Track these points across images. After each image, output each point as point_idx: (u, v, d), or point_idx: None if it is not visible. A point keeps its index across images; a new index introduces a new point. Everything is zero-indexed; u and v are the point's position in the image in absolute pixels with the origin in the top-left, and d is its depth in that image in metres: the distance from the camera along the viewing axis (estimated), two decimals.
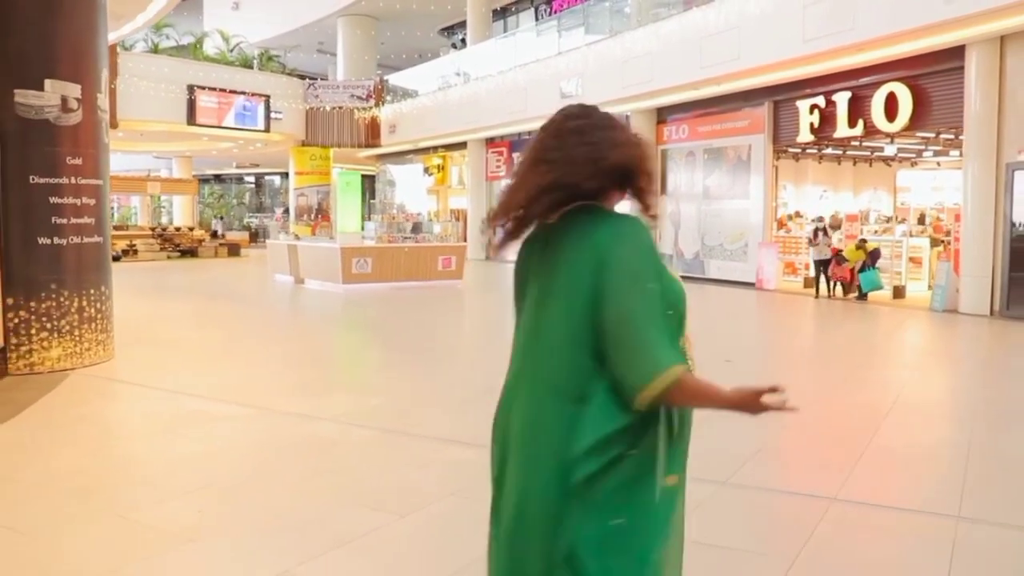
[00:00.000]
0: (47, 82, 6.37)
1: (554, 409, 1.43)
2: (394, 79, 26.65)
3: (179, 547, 3.13)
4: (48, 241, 6.46)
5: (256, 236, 30.84)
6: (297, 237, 16.57)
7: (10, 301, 6.35)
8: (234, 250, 25.13)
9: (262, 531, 3.32)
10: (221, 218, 33.02)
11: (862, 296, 12.43)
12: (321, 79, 28.61)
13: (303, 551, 3.08)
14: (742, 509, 3.68)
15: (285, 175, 31.51)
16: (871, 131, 12.54)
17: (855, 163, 17.93)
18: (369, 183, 29.82)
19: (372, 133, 25.74)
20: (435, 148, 24.71)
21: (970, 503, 3.65)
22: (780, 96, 13.96)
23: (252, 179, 39.69)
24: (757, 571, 3.00)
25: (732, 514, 3.57)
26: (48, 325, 6.46)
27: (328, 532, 3.27)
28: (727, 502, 3.71)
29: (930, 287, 12.27)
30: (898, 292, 12.70)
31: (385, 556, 3.11)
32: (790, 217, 16.01)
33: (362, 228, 15.77)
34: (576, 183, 1.47)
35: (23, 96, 6.29)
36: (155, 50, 24.31)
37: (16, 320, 6.36)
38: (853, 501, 3.70)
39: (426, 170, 25.73)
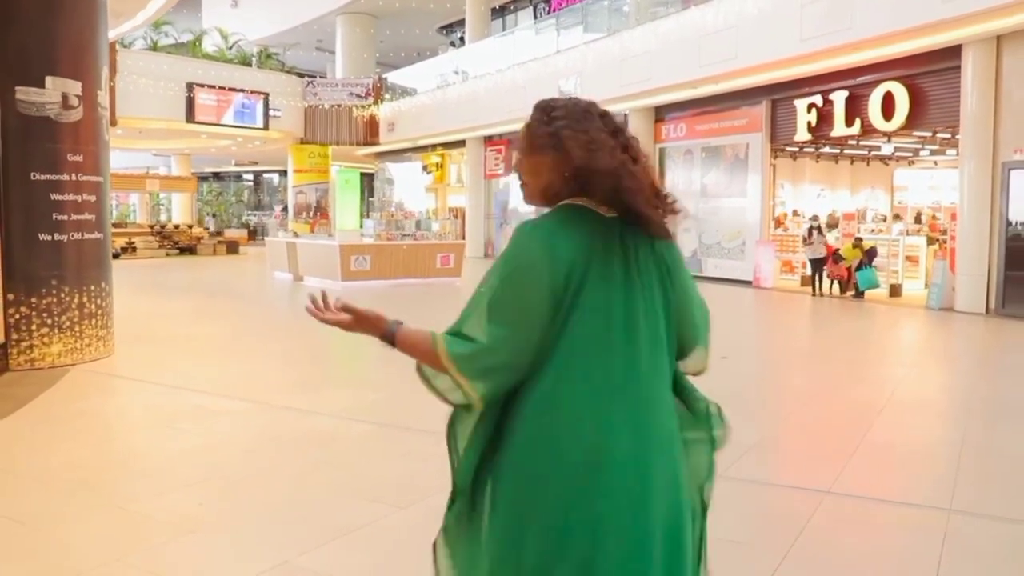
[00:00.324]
0: (48, 79, 6.40)
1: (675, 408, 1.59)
2: (393, 77, 26.67)
3: (179, 538, 3.17)
4: (49, 237, 6.48)
5: (255, 234, 30.83)
6: (296, 235, 16.61)
7: (11, 297, 6.38)
8: (233, 248, 25.15)
9: (262, 523, 3.36)
10: (214, 215, 32.85)
11: (859, 294, 12.48)
12: (320, 77, 28.62)
13: (302, 542, 3.12)
14: (737, 502, 3.72)
15: (284, 173, 31.50)
16: (868, 130, 12.59)
17: (852, 162, 17.97)
18: (368, 181, 29.85)
19: (371, 131, 25.75)
20: (434, 146, 24.74)
21: (962, 497, 3.69)
22: (778, 95, 14.00)
23: (251, 177, 39.69)
24: (751, 563, 3.04)
25: (727, 507, 3.59)
26: (49, 321, 6.50)
27: (327, 524, 3.31)
28: (722, 495, 3.69)
29: (926, 285, 12.32)
30: (895, 290, 12.76)
31: (384, 547, 3.15)
32: (785, 216, 16.06)
33: (361, 226, 15.81)
34: None
35: (24, 93, 6.31)
36: (154, 48, 24.32)
37: (17, 316, 6.38)
38: (847, 494, 3.74)
39: (425, 168, 25.75)
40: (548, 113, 1.52)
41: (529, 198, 1.59)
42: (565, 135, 1.47)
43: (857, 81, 12.43)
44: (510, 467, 1.47)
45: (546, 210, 1.55)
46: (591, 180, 1.47)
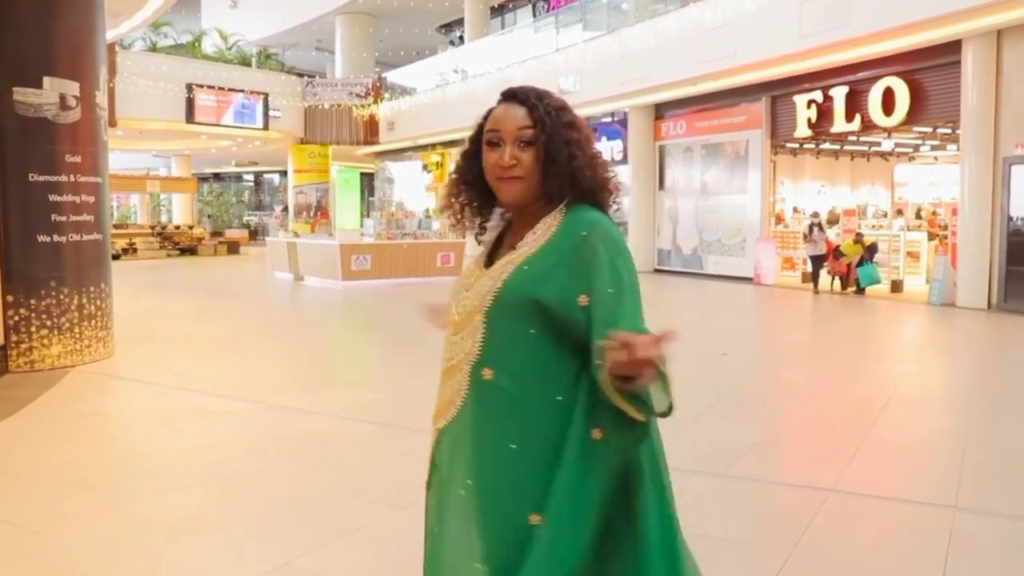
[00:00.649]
0: (45, 80, 6.38)
1: None
2: (392, 76, 26.62)
3: (179, 539, 3.15)
4: (47, 239, 6.47)
5: (255, 234, 30.80)
6: (296, 234, 16.61)
7: (10, 299, 6.36)
8: (234, 248, 25.14)
9: (262, 524, 3.34)
10: (210, 216, 32.67)
11: (860, 290, 12.45)
12: (319, 77, 28.58)
13: (302, 544, 3.10)
14: (740, 501, 3.70)
15: (284, 173, 31.47)
16: (868, 126, 12.57)
17: (852, 158, 17.92)
18: (368, 180, 29.83)
19: (371, 130, 25.71)
20: (433, 145, 24.69)
21: (967, 494, 3.67)
22: (777, 91, 13.97)
23: (251, 177, 39.66)
24: (754, 562, 3.02)
25: (730, 506, 3.59)
26: (48, 322, 6.48)
27: (327, 525, 3.29)
28: (725, 494, 3.73)
29: (928, 281, 12.29)
30: (896, 286, 12.74)
31: (384, 548, 3.13)
32: (785, 213, 16.04)
33: (361, 225, 15.81)
34: None
35: (22, 94, 6.30)
36: (153, 49, 24.29)
37: (16, 318, 6.37)
38: (850, 492, 3.72)
39: (425, 167, 25.72)
40: (562, 112, 1.47)
41: (522, 197, 1.48)
42: (595, 151, 1.49)
43: (857, 77, 12.40)
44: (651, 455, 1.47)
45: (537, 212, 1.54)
46: (594, 191, 1.49)
